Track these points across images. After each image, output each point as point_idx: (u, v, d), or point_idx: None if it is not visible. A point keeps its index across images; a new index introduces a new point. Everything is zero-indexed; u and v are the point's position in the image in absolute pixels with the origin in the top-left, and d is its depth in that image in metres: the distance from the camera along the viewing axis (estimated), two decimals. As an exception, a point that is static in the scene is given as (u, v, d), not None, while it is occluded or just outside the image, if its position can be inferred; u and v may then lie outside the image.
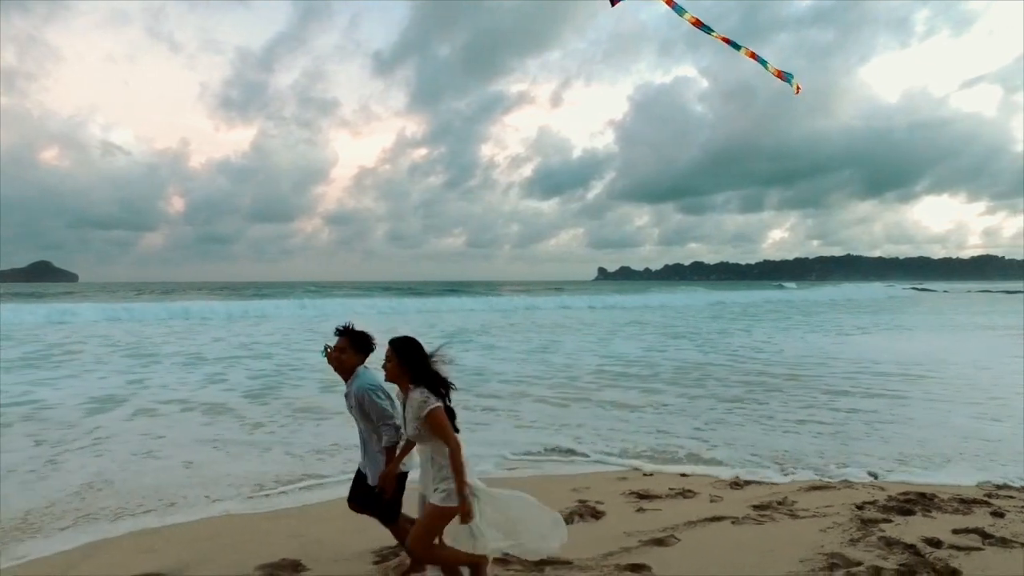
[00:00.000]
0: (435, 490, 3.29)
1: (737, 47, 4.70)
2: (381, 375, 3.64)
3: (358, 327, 3.89)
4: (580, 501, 5.38)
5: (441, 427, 3.25)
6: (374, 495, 3.74)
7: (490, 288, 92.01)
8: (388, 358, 3.40)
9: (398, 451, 3.67)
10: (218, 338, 21.69)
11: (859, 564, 4.08)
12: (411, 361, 3.36)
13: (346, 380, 3.80)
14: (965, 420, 9.01)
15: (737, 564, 4.14)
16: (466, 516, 3.25)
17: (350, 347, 3.79)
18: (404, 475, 3.78)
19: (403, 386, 3.40)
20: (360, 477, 3.91)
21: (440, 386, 3.34)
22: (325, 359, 3.97)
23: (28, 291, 76.82)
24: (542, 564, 4.05)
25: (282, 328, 25.66)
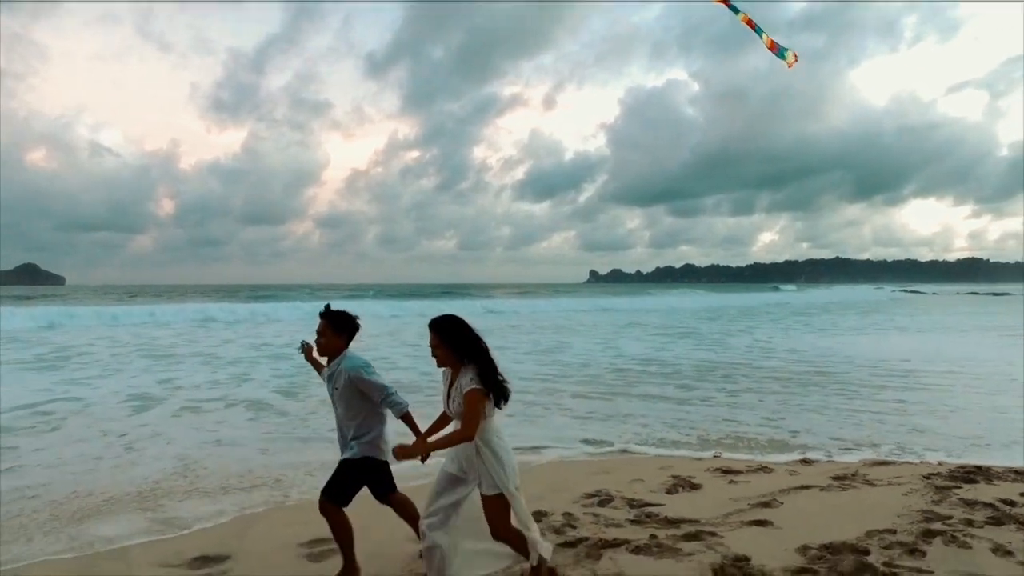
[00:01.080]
0: (483, 484, 3.26)
1: (736, 11, 4.83)
2: (364, 356, 3.63)
3: (338, 308, 3.75)
4: (674, 476, 5.83)
5: (471, 409, 3.14)
6: (339, 473, 3.62)
7: (483, 290, 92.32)
8: (434, 344, 3.27)
9: (418, 425, 3.60)
10: (227, 339, 21.76)
11: (951, 518, 4.59)
12: (457, 341, 3.25)
13: (329, 364, 3.70)
14: (1020, 412, 9.41)
15: (843, 520, 4.62)
16: (403, 455, 3.25)
17: (329, 329, 3.64)
18: (384, 463, 3.69)
19: (455, 368, 3.29)
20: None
21: (491, 368, 3.25)
22: (303, 355, 3.93)
23: (17, 294, 76.02)
24: (677, 521, 4.42)
25: (287, 330, 25.76)
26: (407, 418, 3.58)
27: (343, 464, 3.61)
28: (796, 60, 4.88)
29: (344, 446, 3.68)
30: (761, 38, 4.85)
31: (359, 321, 3.72)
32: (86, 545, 4.54)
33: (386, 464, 3.70)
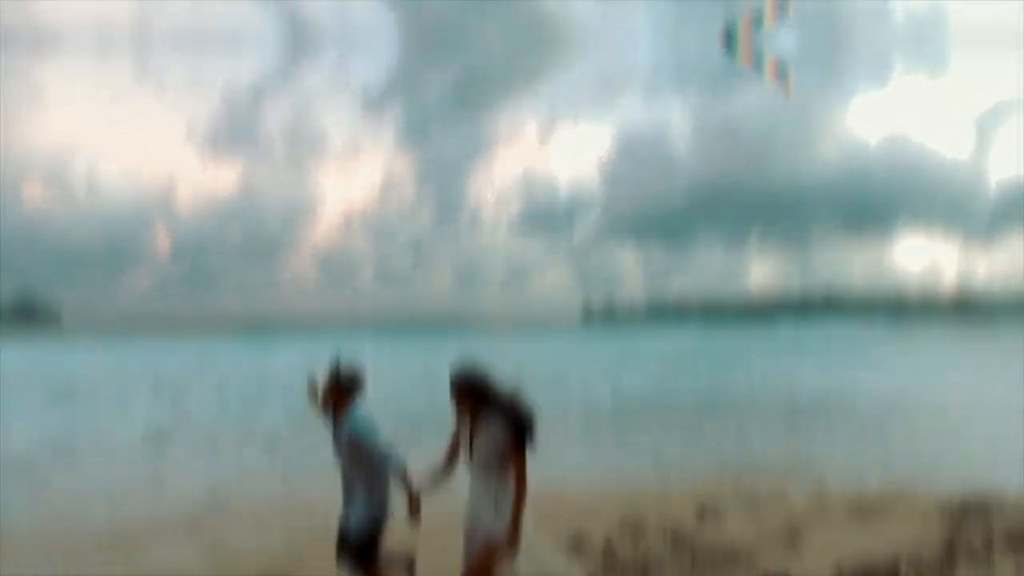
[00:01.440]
0: (494, 521, 3.19)
1: (733, 51, 5.08)
2: (367, 413, 3.59)
3: (346, 363, 3.72)
4: (698, 504, 6.07)
5: (519, 461, 3.21)
6: (346, 539, 3.63)
7: (479, 326, 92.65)
8: (456, 395, 3.32)
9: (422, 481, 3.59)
10: (231, 374, 21.86)
11: (971, 541, 4.78)
12: (480, 393, 3.28)
13: (336, 419, 3.67)
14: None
15: (869, 543, 4.85)
16: (514, 544, 3.18)
17: (336, 386, 3.66)
18: (379, 522, 3.66)
19: (476, 415, 3.29)
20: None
21: (516, 411, 3.23)
22: (307, 394, 3.86)
23: (15, 330, 75.56)
24: (711, 545, 4.77)
25: (289, 366, 25.76)
26: (404, 478, 3.60)
27: (351, 546, 3.64)
28: (790, 88, 5.16)
29: (349, 500, 3.70)
30: (763, 68, 5.07)
31: (365, 378, 3.75)
32: (145, 570, 4.71)
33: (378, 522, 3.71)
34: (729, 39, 5.06)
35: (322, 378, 3.71)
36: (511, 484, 3.23)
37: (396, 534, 3.78)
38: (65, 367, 25.21)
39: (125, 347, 34.02)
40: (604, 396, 16.09)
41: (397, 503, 3.68)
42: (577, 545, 4.70)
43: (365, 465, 3.62)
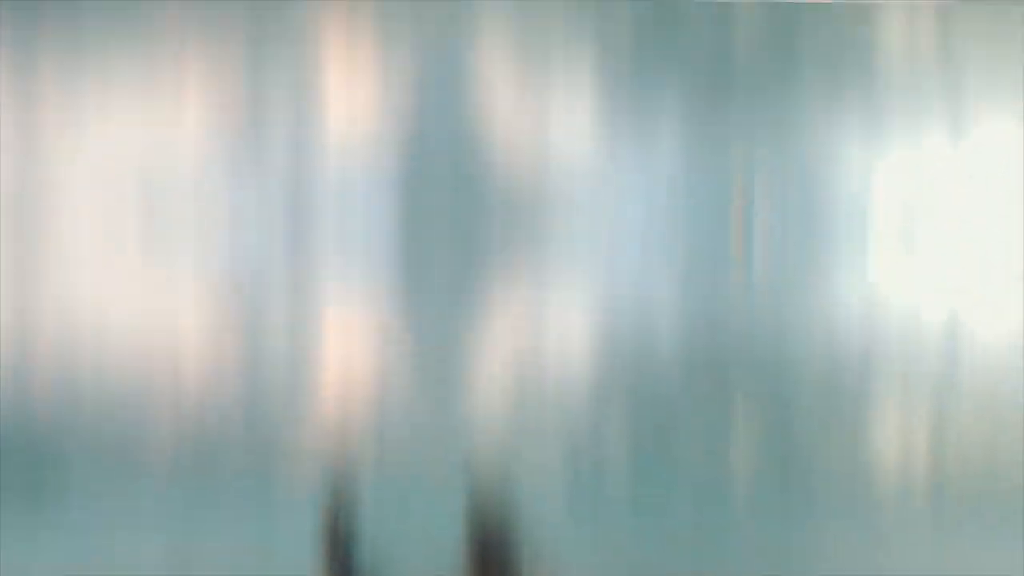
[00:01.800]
0: None
1: (726, 228, 7.44)
2: (368, 557, 3.20)
3: (346, 512, 2.98)
4: None
5: None
6: None
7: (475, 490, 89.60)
8: (470, 546, 2.66)
9: None
10: (239, 527, 23.26)
11: None
12: (496, 548, 2.61)
13: (336, 564, 2.85)
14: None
15: None
16: None
17: (337, 532, 2.72)
18: None
19: (490, 565, 2.86)
20: None
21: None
22: (316, 541, 3.26)
23: (18, 512, 73.01)
24: None
25: (297, 519, 26.92)
26: None
27: None
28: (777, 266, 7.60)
29: None
30: (753, 246, 7.37)
31: (365, 526, 3.06)
32: None
33: None
34: (722, 217, 7.26)
35: (324, 524, 3.44)
36: None
37: None
38: (71, 537, 26.21)
39: (133, 510, 34.73)
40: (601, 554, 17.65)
41: None
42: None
43: None
